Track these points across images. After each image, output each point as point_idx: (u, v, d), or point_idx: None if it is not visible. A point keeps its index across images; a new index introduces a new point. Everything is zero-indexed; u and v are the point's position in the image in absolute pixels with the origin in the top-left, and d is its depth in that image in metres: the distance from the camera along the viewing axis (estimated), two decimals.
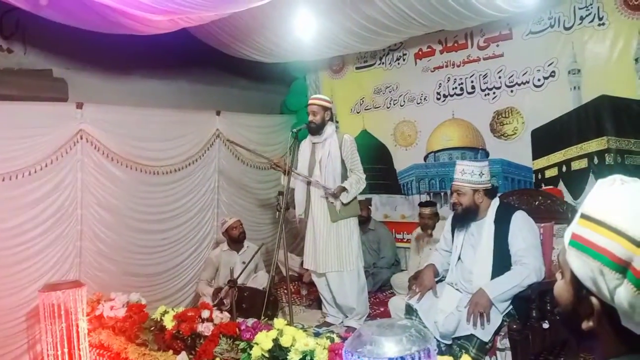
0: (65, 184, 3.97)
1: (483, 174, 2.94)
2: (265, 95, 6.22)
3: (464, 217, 3.01)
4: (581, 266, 0.80)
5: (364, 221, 4.98)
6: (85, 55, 4.54)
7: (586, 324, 0.82)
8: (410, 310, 3.03)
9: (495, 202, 3.00)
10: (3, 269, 3.63)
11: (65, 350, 3.33)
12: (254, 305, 3.92)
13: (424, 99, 5.21)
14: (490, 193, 2.98)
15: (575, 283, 0.83)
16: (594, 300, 0.80)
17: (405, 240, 5.33)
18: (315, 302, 4.64)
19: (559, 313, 0.90)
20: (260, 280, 4.45)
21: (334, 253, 3.96)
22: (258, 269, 4.70)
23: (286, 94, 6.21)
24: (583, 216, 0.82)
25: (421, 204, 4.79)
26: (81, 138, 4.05)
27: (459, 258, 3.05)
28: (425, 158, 5.25)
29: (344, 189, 3.89)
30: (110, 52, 4.46)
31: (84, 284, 3.52)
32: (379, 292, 4.94)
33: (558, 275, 0.91)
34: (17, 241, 3.71)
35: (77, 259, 4.06)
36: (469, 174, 2.93)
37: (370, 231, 5.15)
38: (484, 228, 2.95)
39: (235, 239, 4.62)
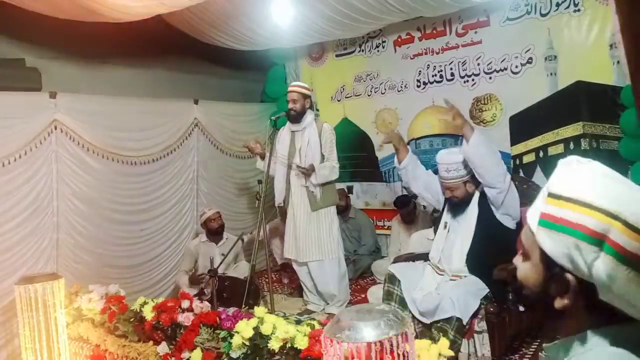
0: (40, 175, 3.89)
1: (466, 166, 3.08)
2: (244, 83, 6.16)
3: (460, 205, 3.16)
4: (554, 244, 0.81)
5: (344, 209, 4.99)
6: (59, 43, 4.42)
7: (560, 302, 0.82)
8: (393, 280, 3.11)
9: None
10: None
11: (44, 343, 3.27)
12: (235, 294, 3.91)
13: (405, 86, 5.21)
14: (474, 179, 3.09)
15: (547, 262, 0.83)
16: (569, 277, 0.80)
17: (385, 227, 5.36)
18: (297, 290, 4.65)
19: (527, 295, 0.90)
20: (241, 270, 4.44)
21: (314, 242, 3.97)
22: (238, 259, 4.68)
23: (265, 82, 6.16)
24: (551, 195, 0.82)
25: (396, 204, 4.83)
26: (55, 128, 3.96)
27: (447, 234, 3.19)
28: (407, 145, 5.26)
29: (314, 169, 3.86)
30: (84, 40, 4.35)
31: (62, 276, 3.46)
32: (360, 279, 4.98)
33: (518, 259, 0.92)
34: None
35: (54, 251, 3.99)
36: (454, 171, 3.09)
37: (350, 219, 5.16)
38: (468, 213, 3.11)
39: (214, 231, 4.56)
